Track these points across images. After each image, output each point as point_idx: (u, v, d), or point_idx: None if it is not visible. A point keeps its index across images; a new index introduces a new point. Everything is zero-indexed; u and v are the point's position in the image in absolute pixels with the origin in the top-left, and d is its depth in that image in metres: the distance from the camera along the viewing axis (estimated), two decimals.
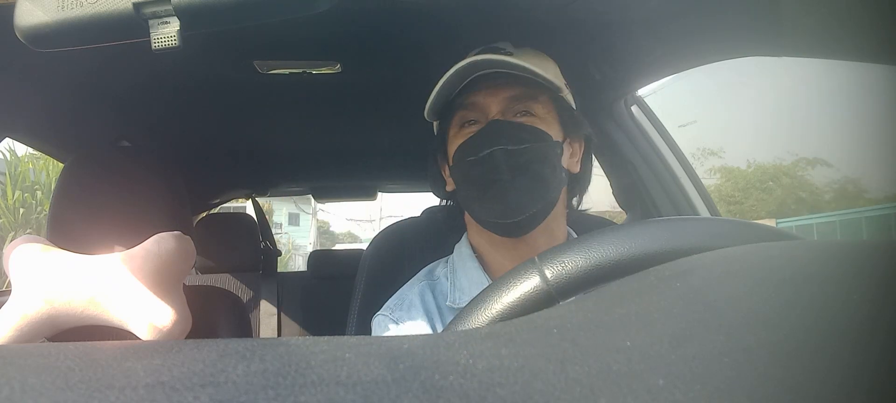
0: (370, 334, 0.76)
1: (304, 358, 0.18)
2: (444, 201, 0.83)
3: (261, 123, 1.49)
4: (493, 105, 0.70)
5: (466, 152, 0.70)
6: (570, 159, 0.74)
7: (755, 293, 0.22)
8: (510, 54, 0.69)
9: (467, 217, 0.76)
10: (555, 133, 0.71)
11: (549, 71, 0.70)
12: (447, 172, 0.78)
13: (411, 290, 0.76)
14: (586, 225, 0.73)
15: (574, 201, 0.78)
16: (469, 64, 0.69)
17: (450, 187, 0.78)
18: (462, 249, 0.77)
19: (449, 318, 0.61)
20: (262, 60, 1.05)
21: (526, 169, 0.67)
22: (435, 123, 0.81)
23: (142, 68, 1.05)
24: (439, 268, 0.79)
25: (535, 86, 0.70)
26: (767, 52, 0.75)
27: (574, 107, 0.75)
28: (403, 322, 0.72)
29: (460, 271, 0.74)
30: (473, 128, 0.71)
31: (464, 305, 0.72)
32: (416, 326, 0.71)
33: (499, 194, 0.66)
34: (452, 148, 0.73)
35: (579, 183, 0.78)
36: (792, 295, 0.21)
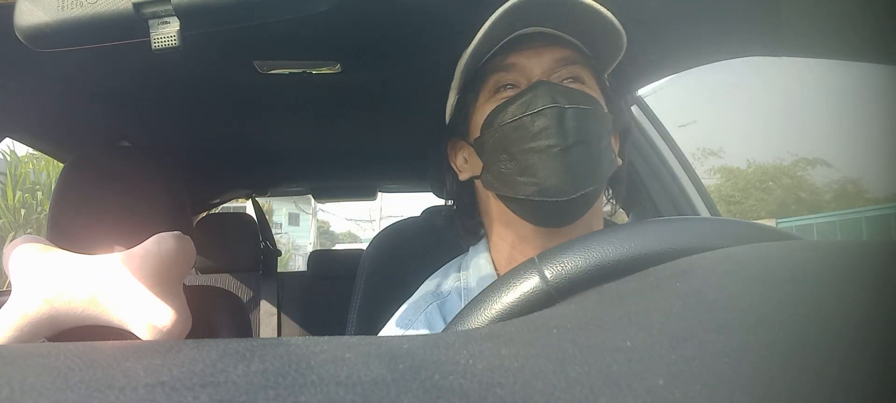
0: (369, 334, 0.73)
1: (304, 358, 0.18)
2: (447, 200, 0.74)
3: (261, 123, 1.49)
4: (537, 67, 0.59)
5: (507, 113, 0.57)
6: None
7: (755, 293, 0.22)
8: None
9: (494, 215, 0.64)
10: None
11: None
12: (460, 159, 0.67)
13: (417, 314, 0.64)
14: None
15: (613, 201, 0.68)
16: (521, 3, 0.56)
17: (467, 174, 0.66)
18: (480, 262, 0.65)
19: None
20: (262, 60, 1.05)
21: (584, 135, 0.55)
22: (451, 100, 0.69)
23: (142, 68, 1.05)
24: (448, 281, 0.67)
25: (583, 53, 0.61)
26: (767, 52, 0.75)
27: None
28: None
29: (477, 291, 0.65)
30: (512, 92, 0.60)
31: None
32: None
33: (551, 163, 0.54)
34: (482, 115, 0.61)
35: (620, 179, 0.67)
36: (792, 295, 0.21)
